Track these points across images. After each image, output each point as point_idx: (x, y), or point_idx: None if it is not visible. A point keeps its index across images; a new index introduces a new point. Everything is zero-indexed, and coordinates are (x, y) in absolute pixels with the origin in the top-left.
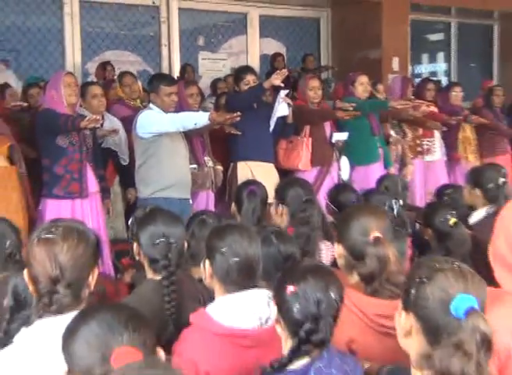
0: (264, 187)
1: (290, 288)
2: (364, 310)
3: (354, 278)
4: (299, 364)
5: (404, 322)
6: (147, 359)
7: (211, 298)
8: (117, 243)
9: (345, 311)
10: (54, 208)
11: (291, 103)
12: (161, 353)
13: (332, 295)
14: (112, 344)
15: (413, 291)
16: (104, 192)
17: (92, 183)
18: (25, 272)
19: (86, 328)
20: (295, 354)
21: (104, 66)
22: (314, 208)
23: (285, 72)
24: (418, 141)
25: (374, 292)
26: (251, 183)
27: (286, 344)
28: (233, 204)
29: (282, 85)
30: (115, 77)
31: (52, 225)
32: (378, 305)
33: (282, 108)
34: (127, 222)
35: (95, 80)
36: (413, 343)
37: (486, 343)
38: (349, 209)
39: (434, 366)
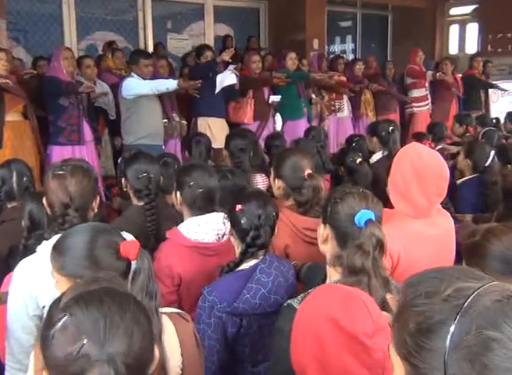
0: (207, 137)
1: (239, 206)
2: (295, 225)
3: (289, 202)
4: (248, 265)
5: (323, 232)
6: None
7: (182, 219)
8: (107, 178)
9: (282, 225)
10: (58, 153)
11: (238, 74)
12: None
13: (269, 211)
14: (116, 241)
15: (329, 209)
16: (97, 140)
17: (87, 133)
18: (44, 200)
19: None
20: (244, 255)
21: (110, 43)
22: (247, 155)
23: (232, 50)
24: (332, 102)
25: (304, 212)
26: (198, 134)
27: (238, 250)
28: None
29: (231, 60)
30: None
31: (63, 164)
32: (305, 221)
33: (230, 78)
34: (114, 162)
35: (102, 53)
36: (328, 247)
37: (380, 244)
38: (284, 152)
39: (343, 263)
